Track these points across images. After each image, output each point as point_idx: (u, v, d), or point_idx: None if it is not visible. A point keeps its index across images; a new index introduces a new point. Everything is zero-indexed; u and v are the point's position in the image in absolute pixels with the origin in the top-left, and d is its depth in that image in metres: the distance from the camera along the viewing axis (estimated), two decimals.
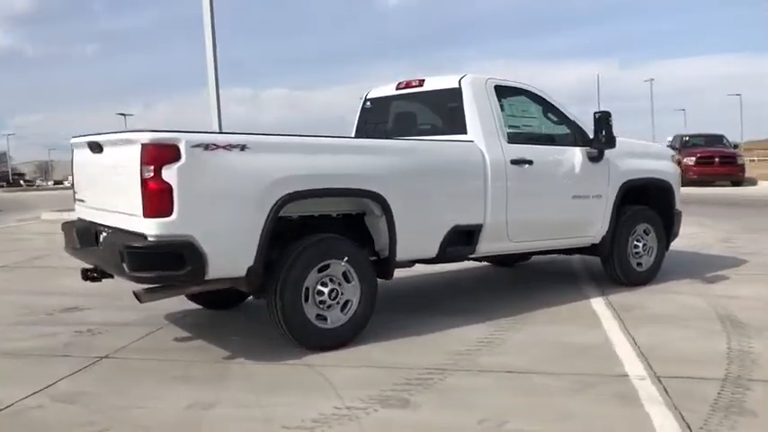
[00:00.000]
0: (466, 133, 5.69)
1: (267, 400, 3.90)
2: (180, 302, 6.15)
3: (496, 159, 5.61)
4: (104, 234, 4.83)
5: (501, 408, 3.70)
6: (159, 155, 4.16)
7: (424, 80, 6.20)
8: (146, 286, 4.48)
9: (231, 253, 4.40)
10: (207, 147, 4.28)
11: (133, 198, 4.29)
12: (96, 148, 4.79)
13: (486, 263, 7.69)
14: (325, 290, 4.78)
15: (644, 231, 6.83)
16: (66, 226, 5.43)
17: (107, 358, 4.75)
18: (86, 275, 5.04)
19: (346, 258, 4.83)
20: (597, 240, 6.46)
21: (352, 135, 6.72)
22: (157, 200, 4.17)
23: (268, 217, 4.46)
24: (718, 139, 26.52)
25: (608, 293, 6.46)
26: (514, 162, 5.71)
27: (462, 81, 5.80)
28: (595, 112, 6.18)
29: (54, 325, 5.76)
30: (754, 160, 41.53)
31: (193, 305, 6.16)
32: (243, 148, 4.41)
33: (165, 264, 4.23)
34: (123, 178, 4.42)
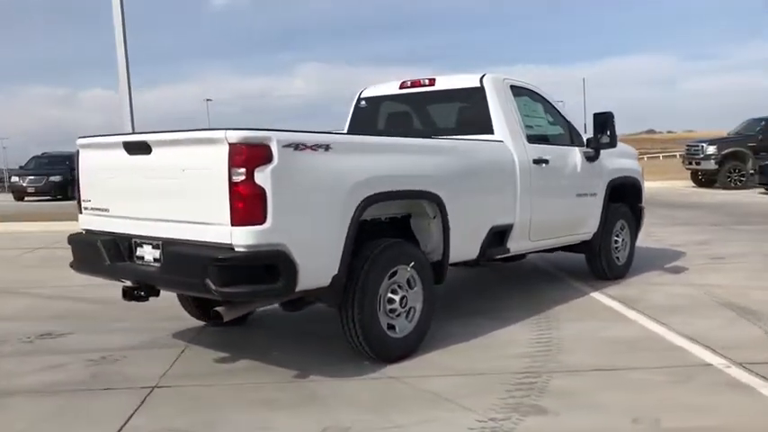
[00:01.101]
0: (490, 133, 5.66)
1: (396, 418, 3.62)
2: (175, 321, 5.59)
3: (522, 159, 5.64)
4: (151, 247, 4.24)
5: (632, 406, 3.71)
6: (252, 156, 3.73)
7: (434, 79, 6.08)
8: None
9: (319, 261, 4.05)
10: (297, 147, 3.91)
11: (212, 204, 3.82)
12: (140, 148, 4.20)
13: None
14: (396, 297, 4.54)
15: (620, 227, 7.17)
16: (81, 240, 4.71)
17: (159, 388, 4.18)
18: (132, 295, 4.40)
19: (412, 263, 4.62)
20: (590, 237, 6.69)
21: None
22: (250, 206, 3.74)
23: (351, 221, 4.16)
24: None
25: (599, 288, 6.69)
26: (536, 162, 5.77)
27: (484, 80, 5.76)
28: (596, 113, 6.39)
29: (48, 354, 4.98)
30: None
31: (192, 323, 5.60)
32: (327, 148, 4.08)
33: (259, 277, 3.81)
34: (196, 182, 3.91)
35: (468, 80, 5.88)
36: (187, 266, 3.93)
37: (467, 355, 4.73)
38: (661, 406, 3.71)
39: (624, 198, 7.23)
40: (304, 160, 3.94)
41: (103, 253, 4.43)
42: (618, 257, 7.15)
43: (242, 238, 3.75)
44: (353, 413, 3.72)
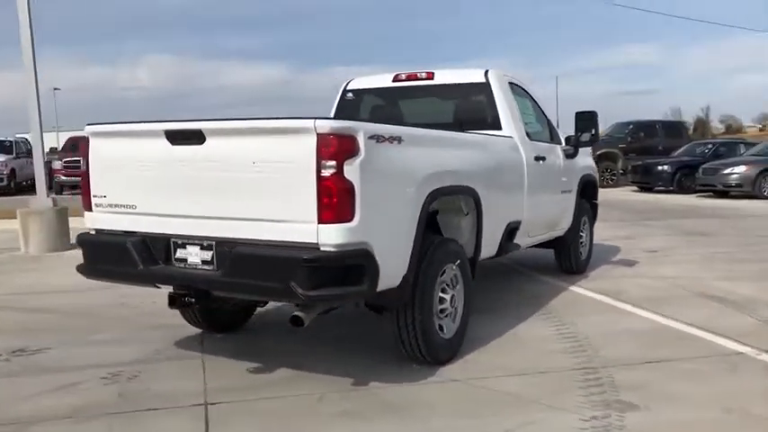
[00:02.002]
0: (498, 129, 5.62)
1: (498, 423, 3.47)
2: (159, 330, 5.09)
3: (528, 155, 5.66)
4: (199, 248, 3.79)
5: (709, 395, 3.80)
6: (342, 148, 3.43)
7: (433, 73, 5.94)
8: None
9: (394, 260, 3.80)
10: (378, 139, 3.65)
11: (293, 200, 3.48)
12: (190, 137, 3.72)
13: None
14: (447, 297, 4.38)
15: (583, 223, 7.41)
16: (101, 241, 4.11)
17: (213, 405, 3.74)
18: (180, 302, 3.89)
19: (458, 261, 4.48)
20: (564, 232, 6.85)
21: None
22: (340, 202, 3.43)
23: (420, 217, 3.96)
24: None
25: (572, 282, 6.86)
26: (536, 158, 5.81)
27: (490, 75, 5.71)
28: (579, 112, 6.53)
29: (41, 373, 4.33)
30: None
31: (183, 332, 5.11)
32: (399, 140, 3.84)
33: (346, 278, 3.52)
34: (270, 176, 3.53)
35: (471, 75, 5.81)
36: (263, 268, 3.53)
37: (506, 353, 4.65)
38: (736, 394, 3.83)
39: (584, 195, 7.47)
40: (383, 153, 3.68)
41: (135, 256, 3.90)
42: (581, 252, 7.38)
43: (330, 236, 3.44)
44: (448, 419, 3.54)
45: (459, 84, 5.86)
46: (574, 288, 6.66)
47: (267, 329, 5.29)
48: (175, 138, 3.77)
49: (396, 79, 6.07)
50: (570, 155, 6.63)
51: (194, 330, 5.14)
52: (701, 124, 75.44)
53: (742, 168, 17.28)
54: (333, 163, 3.40)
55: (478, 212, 4.73)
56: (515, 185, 5.46)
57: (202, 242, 3.79)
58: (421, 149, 4.05)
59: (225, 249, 3.71)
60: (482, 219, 4.75)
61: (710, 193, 17.92)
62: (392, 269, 3.78)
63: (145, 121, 3.97)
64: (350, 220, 3.46)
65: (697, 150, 20.45)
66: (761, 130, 79.08)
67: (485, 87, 5.68)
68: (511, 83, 6.00)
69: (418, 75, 5.98)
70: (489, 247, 5.10)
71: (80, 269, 4.23)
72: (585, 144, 6.59)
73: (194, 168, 3.75)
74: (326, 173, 3.40)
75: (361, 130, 3.52)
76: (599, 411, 3.59)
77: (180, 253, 3.87)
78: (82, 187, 4.23)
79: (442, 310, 4.35)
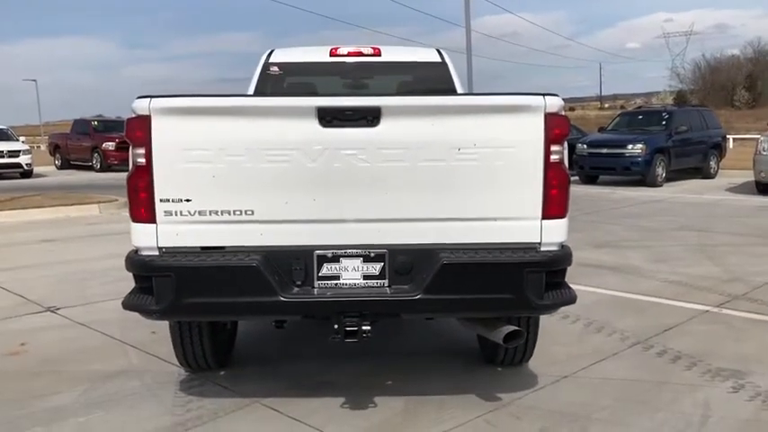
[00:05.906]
0: None
1: (678, 407, 3.45)
2: (126, 379, 3.88)
3: None
4: (361, 260, 2.91)
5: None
6: (565, 129, 2.98)
7: (379, 49, 5.37)
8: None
9: None
10: None
11: (507, 193, 2.95)
12: (359, 117, 2.80)
13: None
14: None
15: None
16: (207, 264, 2.81)
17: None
18: (362, 333, 2.84)
19: None
20: None
21: None
22: (563, 193, 3.01)
23: None
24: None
25: None
26: None
27: (444, 54, 5.42)
28: None
29: None
30: None
31: (167, 371, 3.96)
32: None
33: (561, 282, 3.10)
34: (480, 164, 2.89)
35: (425, 53, 5.43)
36: (486, 279, 2.87)
37: (546, 342, 4.51)
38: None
39: None
40: None
41: (269, 279, 2.80)
42: None
43: (554, 234, 3.00)
44: (625, 412, 3.42)
45: (415, 62, 5.41)
46: None
47: (263, 360, 4.31)
48: (334, 117, 2.80)
49: (333, 53, 5.34)
50: None
51: (165, 369, 4.06)
52: None
53: None
54: (559, 148, 2.95)
55: None
56: None
57: (367, 252, 2.92)
58: None
59: (404, 259, 2.91)
60: None
61: None
62: None
63: (248, 96, 2.88)
64: (566, 214, 3.04)
65: None
66: None
67: (442, 67, 5.35)
68: None
69: (362, 51, 5.36)
70: None
71: (151, 309, 2.87)
72: None
73: (361, 158, 2.84)
74: (555, 158, 2.93)
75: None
76: (726, 382, 3.77)
77: (327, 269, 2.92)
78: (132, 189, 2.87)
79: None
